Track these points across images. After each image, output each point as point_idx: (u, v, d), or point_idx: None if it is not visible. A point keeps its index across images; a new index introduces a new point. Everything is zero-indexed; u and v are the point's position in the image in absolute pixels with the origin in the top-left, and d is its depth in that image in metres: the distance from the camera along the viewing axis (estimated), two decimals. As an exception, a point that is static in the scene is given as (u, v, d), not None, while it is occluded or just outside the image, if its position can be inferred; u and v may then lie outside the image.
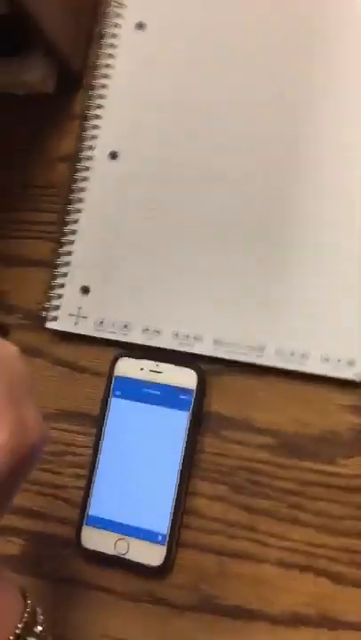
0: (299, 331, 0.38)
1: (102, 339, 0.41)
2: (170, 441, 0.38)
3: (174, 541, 0.37)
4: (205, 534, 0.38)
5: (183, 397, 0.39)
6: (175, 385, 0.39)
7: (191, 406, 0.38)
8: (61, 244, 0.43)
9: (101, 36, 0.45)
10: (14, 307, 0.44)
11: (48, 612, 0.30)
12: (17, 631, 0.28)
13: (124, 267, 0.42)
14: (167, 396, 0.39)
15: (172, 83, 0.43)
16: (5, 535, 0.40)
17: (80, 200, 0.43)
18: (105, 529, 0.38)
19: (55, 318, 0.42)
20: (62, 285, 0.42)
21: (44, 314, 0.43)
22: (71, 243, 0.43)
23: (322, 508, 0.36)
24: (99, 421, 0.40)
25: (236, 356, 0.39)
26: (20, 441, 0.27)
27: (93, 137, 0.44)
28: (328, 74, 0.41)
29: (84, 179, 0.43)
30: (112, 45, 0.45)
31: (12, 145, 0.46)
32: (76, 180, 0.44)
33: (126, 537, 0.38)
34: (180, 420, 0.38)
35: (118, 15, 0.45)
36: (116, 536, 0.38)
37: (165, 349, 0.40)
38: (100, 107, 0.44)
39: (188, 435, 0.38)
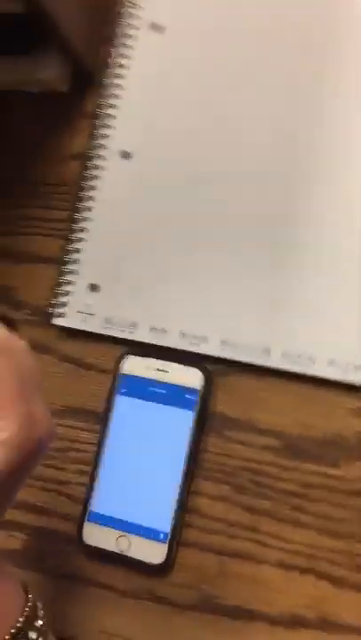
0: (306, 333, 0.38)
1: (109, 336, 0.42)
2: (174, 440, 0.39)
3: (176, 540, 0.38)
4: (207, 534, 0.38)
5: (188, 397, 0.39)
6: (181, 384, 0.39)
7: (196, 406, 0.39)
8: (71, 242, 0.43)
9: (116, 36, 0.46)
10: (22, 302, 0.45)
11: (48, 606, 0.31)
12: (18, 625, 0.28)
13: (133, 265, 0.42)
14: (173, 395, 0.39)
15: (186, 84, 0.44)
16: (8, 529, 0.40)
17: (91, 198, 0.43)
18: (107, 526, 0.39)
19: (63, 315, 0.43)
20: (71, 282, 0.43)
21: (51, 310, 0.43)
22: (81, 240, 0.43)
23: (324, 510, 0.36)
24: (103, 418, 0.40)
25: (242, 357, 0.39)
26: (28, 435, 0.27)
27: (105, 136, 0.44)
28: (338, 74, 0.41)
29: (96, 177, 0.44)
30: (126, 46, 0.45)
31: (25, 142, 0.47)
32: (87, 179, 0.44)
33: (128, 534, 0.38)
34: (184, 420, 0.39)
35: (133, 16, 0.46)
36: (117, 533, 0.38)
37: (172, 349, 0.40)
38: (112, 106, 0.44)
39: (193, 434, 0.38)
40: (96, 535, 0.39)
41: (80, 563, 0.39)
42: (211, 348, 0.39)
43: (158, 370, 0.40)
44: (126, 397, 0.40)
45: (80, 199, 0.44)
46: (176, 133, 0.43)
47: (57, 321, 0.43)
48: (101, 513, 0.39)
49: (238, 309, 0.40)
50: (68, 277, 0.43)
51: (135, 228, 0.42)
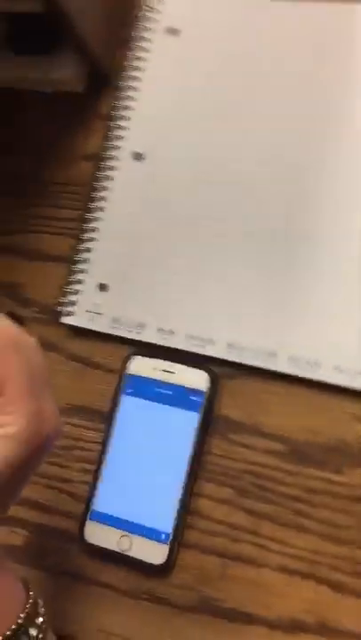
0: (313, 339, 0.38)
1: (117, 336, 0.42)
2: (178, 441, 0.39)
3: (177, 541, 0.38)
4: (208, 536, 0.38)
5: (194, 398, 0.39)
6: (187, 386, 0.39)
7: (201, 408, 0.39)
8: (82, 241, 0.44)
9: (132, 39, 0.46)
10: (30, 300, 0.45)
11: (48, 603, 0.31)
12: (19, 621, 0.28)
13: (142, 266, 0.42)
14: (178, 396, 0.39)
15: (201, 88, 0.44)
16: (10, 525, 0.41)
17: (102, 199, 0.44)
18: (109, 525, 0.39)
19: (71, 313, 0.43)
20: (80, 281, 0.43)
21: (59, 309, 0.43)
22: (91, 240, 0.43)
23: (327, 516, 0.36)
24: (109, 418, 0.40)
25: (248, 360, 0.39)
26: (37, 431, 0.28)
27: (119, 137, 0.44)
28: (357, 73, 0.41)
29: (108, 178, 0.44)
30: (142, 48, 0.46)
31: (38, 142, 0.47)
32: (99, 179, 0.44)
33: (130, 534, 0.38)
34: (189, 421, 0.39)
35: (150, 19, 0.46)
36: (119, 532, 0.38)
37: (179, 350, 0.40)
38: (127, 108, 0.45)
39: (197, 436, 0.38)
40: (98, 534, 0.39)
41: (81, 561, 0.39)
42: (217, 351, 0.39)
43: (164, 371, 0.40)
44: (132, 397, 0.40)
45: (92, 199, 0.44)
46: (188, 136, 0.43)
47: (65, 319, 0.43)
48: (104, 512, 0.39)
49: (246, 313, 0.40)
50: (78, 276, 0.43)
51: (145, 229, 0.43)
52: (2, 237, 0.46)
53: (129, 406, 0.40)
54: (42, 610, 0.30)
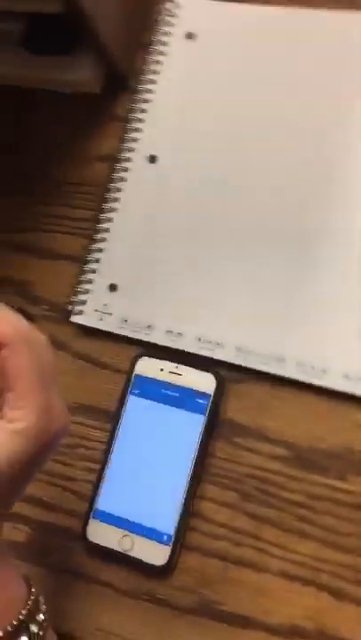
0: (322, 345, 0.38)
1: (125, 336, 0.42)
2: (183, 443, 0.39)
3: (179, 543, 0.38)
4: (210, 539, 0.38)
5: (200, 401, 0.39)
6: (193, 388, 0.39)
7: (207, 411, 0.39)
8: (94, 241, 0.44)
9: (151, 43, 0.46)
10: (40, 298, 0.45)
11: (48, 601, 0.31)
12: (20, 617, 0.29)
13: (153, 268, 0.42)
14: (184, 398, 0.39)
15: (217, 94, 0.44)
16: (13, 522, 0.41)
17: (116, 200, 0.44)
18: (111, 524, 0.39)
19: (80, 313, 0.43)
20: (90, 281, 0.43)
21: (69, 307, 0.43)
22: (103, 240, 0.44)
23: (329, 523, 0.37)
24: (115, 417, 0.40)
25: (256, 364, 0.39)
26: (45, 427, 0.28)
27: (134, 139, 0.45)
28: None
29: (122, 179, 0.44)
30: (160, 52, 0.46)
31: (54, 141, 0.48)
32: (113, 180, 0.44)
33: (132, 534, 0.38)
34: (195, 424, 0.39)
35: (169, 24, 0.46)
36: (121, 532, 0.38)
37: (187, 352, 0.40)
38: (143, 111, 0.45)
39: (202, 438, 0.39)
40: (100, 533, 0.39)
41: (82, 559, 0.40)
42: (225, 354, 0.40)
43: (172, 372, 0.40)
44: (138, 398, 0.40)
45: (105, 200, 0.44)
46: (203, 140, 0.44)
47: (74, 318, 0.43)
48: (107, 511, 0.39)
49: (255, 317, 0.40)
50: (89, 276, 0.43)
51: (158, 231, 0.43)
52: (15, 235, 0.47)
53: (135, 407, 0.40)
54: (43, 607, 0.30)
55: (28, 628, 0.29)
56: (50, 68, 0.44)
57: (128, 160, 0.44)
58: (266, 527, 0.37)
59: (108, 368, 0.42)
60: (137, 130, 0.45)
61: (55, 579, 0.40)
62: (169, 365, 0.40)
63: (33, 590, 0.30)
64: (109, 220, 0.44)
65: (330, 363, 0.38)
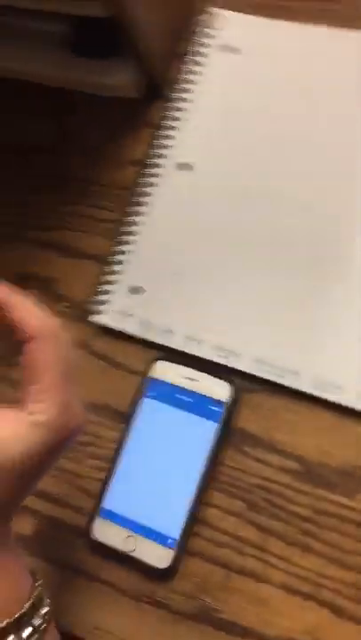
0: (339, 362, 0.38)
1: (144, 339, 0.42)
2: (194, 449, 0.39)
3: (183, 547, 0.38)
4: (214, 546, 0.38)
5: (214, 408, 0.40)
6: (208, 395, 0.40)
7: (220, 418, 0.39)
8: (119, 243, 0.45)
9: (187, 53, 0.47)
10: (63, 296, 0.46)
11: (49, 596, 0.31)
12: (24, 610, 0.29)
13: (177, 274, 0.43)
14: (199, 404, 0.40)
15: (254, 107, 0.45)
16: (20, 514, 0.41)
17: (144, 204, 0.45)
18: (117, 524, 0.39)
19: (101, 313, 0.44)
20: (113, 282, 0.44)
21: (91, 306, 0.44)
22: (129, 243, 0.44)
23: (334, 539, 0.37)
24: (128, 418, 0.41)
25: (272, 376, 0.39)
26: (64, 423, 0.28)
27: (166, 147, 0.45)
28: None
29: (152, 184, 0.45)
30: (197, 63, 0.47)
31: (88, 143, 0.48)
32: (143, 185, 0.45)
33: (136, 535, 0.39)
34: (207, 430, 0.39)
35: (208, 36, 0.47)
36: (126, 532, 0.39)
37: (203, 359, 0.41)
38: (176, 119, 0.46)
39: (213, 446, 0.39)
40: (105, 532, 0.39)
41: (85, 556, 0.40)
42: (242, 364, 0.40)
43: (188, 378, 0.40)
44: (153, 401, 0.41)
45: (134, 204, 0.45)
46: (234, 152, 0.44)
47: (95, 318, 0.44)
48: (113, 510, 0.39)
49: (274, 330, 0.40)
50: (112, 277, 0.44)
51: (183, 238, 0.44)
52: (42, 233, 0.47)
53: (149, 409, 0.41)
54: (47, 601, 0.31)
55: (30, 621, 0.29)
56: (90, 72, 0.45)
57: (159, 166, 0.45)
58: (270, 539, 0.38)
59: (124, 369, 0.43)
60: (169, 137, 0.46)
61: (57, 574, 0.40)
62: (185, 371, 0.41)
63: (38, 584, 0.31)
64: (136, 223, 0.44)
65: (345, 379, 0.38)
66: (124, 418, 0.41)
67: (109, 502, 0.40)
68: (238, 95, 0.45)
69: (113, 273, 0.44)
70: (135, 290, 0.43)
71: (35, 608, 0.30)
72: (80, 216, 0.47)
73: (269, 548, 0.37)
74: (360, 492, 0.37)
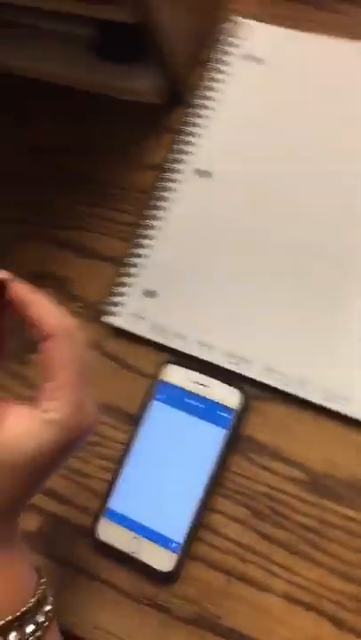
0: (349, 374, 0.38)
1: (155, 342, 0.43)
2: (202, 454, 0.39)
3: (186, 552, 0.38)
4: (217, 552, 0.38)
5: (223, 415, 0.40)
6: (218, 401, 0.40)
7: (229, 425, 0.39)
8: (136, 246, 0.45)
9: (210, 60, 0.47)
10: (77, 296, 0.46)
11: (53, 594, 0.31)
12: (28, 606, 0.29)
13: (191, 279, 0.43)
14: (208, 410, 0.40)
15: (276, 117, 0.45)
16: (26, 510, 0.41)
17: (162, 209, 0.45)
18: (122, 525, 0.39)
19: (114, 314, 0.44)
20: (128, 285, 0.44)
21: (105, 307, 0.44)
22: (145, 247, 0.45)
23: (338, 551, 0.37)
24: (137, 420, 0.41)
25: (281, 385, 0.39)
26: (77, 423, 0.28)
27: (186, 153, 0.46)
28: None
29: (171, 190, 0.45)
30: (220, 71, 0.47)
31: (109, 146, 0.49)
32: (162, 189, 0.45)
33: (141, 537, 0.39)
34: (215, 436, 0.39)
35: (231, 44, 0.47)
36: (131, 534, 0.39)
37: (214, 365, 0.41)
38: (197, 126, 0.46)
39: (221, 452, 0.39)
40: (110, 532, 0.39)
41: (89, 556, 0.40)
42: (253, 372, 0.40)
43: (198, 383, 0.41)
44: (162, 404, 0.41)
45: (152, 208, 0.45)
46: (254, 161, 0.45)
47: (108, 319, 0.44)
48: (118, 511, 0.40)
49: (285, 339, 0.40)
50: (127, 279, 0.44)
51: (199, 244, 0.44)
52: (60, 232, 0.48)
53: (158, 412, 0.41)
54: (50, 599, 0.31)
55: (34, 618, 0.29)
56: (113, 76, 0.45)
57: (178, 172, 0.45)
58: (274, 547, 0.38)
59: (135, 371, 0.43)
60: (189, 143, 0.46)
61: (59, 572, 0.40)
62: (196, 376, 0.41)
63: (42, 581, 0.31)
64: (154, 227, 0.45)
65: (355, 391, 0.38)
66: (133, 420, 0.41)
67: (115, 503, 0.40)
68: (259, 105, 0.46)
69: (128, 275, 0.44)
70: (149, 293, 0.44)
71: (39, 605, 0.30)
72: (98, 218, 0.47)
73: (272, 556, 0.37)
74: (366, 504, 0.37)
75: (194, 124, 0.46)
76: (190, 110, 0.47)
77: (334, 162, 0.43)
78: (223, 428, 0.39)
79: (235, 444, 0.40)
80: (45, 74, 0.47)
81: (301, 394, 0.39)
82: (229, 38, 0.48)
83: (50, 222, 0.48)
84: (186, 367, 0.41)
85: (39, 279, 0.31)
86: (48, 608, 0.30)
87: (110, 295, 0.45)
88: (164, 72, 0.45)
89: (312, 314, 0.40)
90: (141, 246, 0.45)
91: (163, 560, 0.38)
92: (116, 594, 0.39)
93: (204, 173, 0.45)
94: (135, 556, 0.39)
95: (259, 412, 0.40)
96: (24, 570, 0.31)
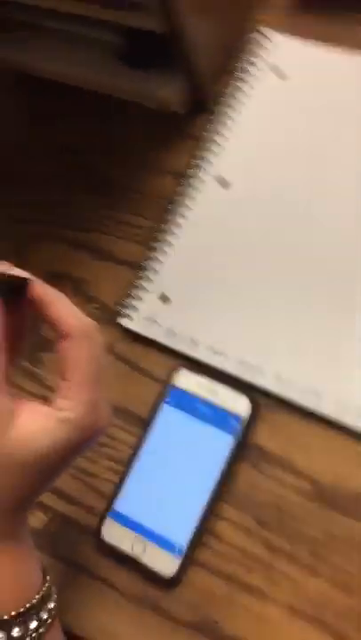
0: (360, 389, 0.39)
1: (168, 347, 0.43)
2: (210, 460, 0.39)
3: (190, 557, 0.38)
4: (221, 559, 0.38)
5: (232, 422, 0.40)
6: (228, 408, 0.40)
7: (238, 432, 0.39)
8: (153, 251, 0.45)
9: (235, 70, 0.48)
10: (93, 297, 0.46)
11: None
12: (33, 602, 0.29)
13: (207, 287, 0.43)
14: (217, 416, 0.40)
15: (292, 132, 0.46)
16: (32, 509, 0.42)
17: (181, 215, 0.45)
18: (126, 527, 0.39)
19: (129, 317, 0.44)
20: (144, 289, 0.44)
21: (120, 309, 0.45)
22: (163, 252, 0.45)
23: (343, 564, 0.37)
24: (146, 424, 0.41)
25: (293, 396, 0.40)
26: (90, 423, 0.29)
27: (207, 161, 0.46)
28: None
29: (191, 197, 0.46)
30: (244, 81, 0.48)
31: (132, 150, 0.49)
32: (181, 196, 0.46)
33: (145, 540, 0.39)
34: (224, 443, 0.40)
35: (257, 55, 0.48)
36: (135, 536, 0.39)
37: (226, 372, 0.41)
38: (219, 134, 0.47)
39: (229, 459, 0.39)
40: (114, 533, 0.39)
41: (92, 556, 0.40)
42: (264, 381, 0.40)
43: (209, 390, 0.41)
44: (172, 409, 0.41)
45: (172, 214, 0.46)
46: (275, 173, 0.45)
47: (122, 321, 0.44)
48: (124, 513, 0.40)
49: (300, 350, 0.40)
50: (143, 284, 0.45)
51: (216, 252, 0.44)
52: (78, 233, 0.48)
53: (168, 416, 0.41)
54: (54, 596, 0.31)
55: (37, 614, 0.30)
56: (138, 83, 0.46)
57: (199, 180, 0.46)
58: (278, 557, 0.38)
59: (147, 375, 0.43)
60: (210, 152, 0.46)
61: (62, 571, 0.40)
62: (207, 382, 0.41)
63: (47, 579, 0.31)
64: (172, 233, 0.45)
65: (367, 406, 0.38)
66: (143, 423, 0.41)
67: (121, 505, 0.40)
68: (281, 118, 0.46)
69: (145, 280, 0.45)
70: (164, 298, 0.44)
71: (43, 602, 0.30)
72: (117, 221, 0.48)
73: (277, 566, 0.37)
74: (372, 519, 0.37)
75: (216, 133, 0.47)
76: (213, 118, 0.47)
77: (354, 180, 0.43)
78: (232, 435, 0.40)
79: (243, 451, 0.40)
80: (72, 78, 0.47)
81: (312, 405, 0.39)
82: (256, 50, 0.48)
83: (68, 223, 0.49)
84: (197, 373, 0.41)
85: (55, 279, 0.32)
86: (52, 605, 0.31)
87: (125, 298, 0.45)
88: (188, 81, 0.46)
89: (326, 326, 0.41)
90: (159, 251, 0.45)
91: (166, 564, 0.38)
92: (117, 595, 0.39)
93: (222, 182, 0.45)
94: (138, 558, 0.39)
95: (269, 421, 0.40)
96: (31, 565, 0.31)
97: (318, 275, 0.42)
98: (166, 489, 0.40)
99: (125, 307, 0.45)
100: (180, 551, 0.38)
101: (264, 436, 0.40)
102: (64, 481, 0.42)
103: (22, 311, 0.30)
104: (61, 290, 0.31)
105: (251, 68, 0.48)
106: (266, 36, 0.48)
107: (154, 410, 0.41)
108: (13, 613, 0.29)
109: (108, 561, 0.40)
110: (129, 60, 0.46)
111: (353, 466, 0.38)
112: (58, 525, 0.41)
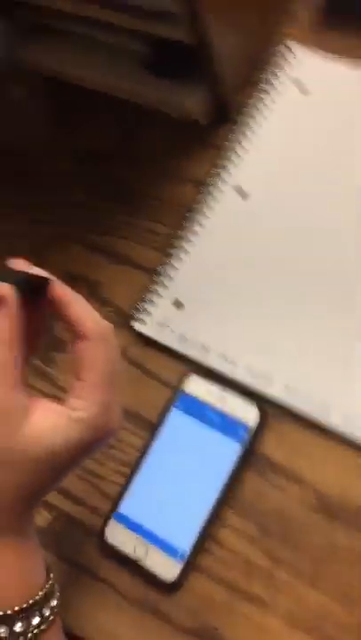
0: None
1: (180, 353, 0.43)
2: (216, 467, 0.40)
3: (192, 562, 0.38)
4: (223, 566, 0.39)
5: (240, 430, 0.40)
6: (236, 416, 0.40)
7: (245, 441, 0.40)
8: (169, 257, 0.46)
9: (258, 81, 0.49)
10: (108, 301, 0.47)
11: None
12: (36, 598, 0.30)
13: (221, 295, 0.44)
14: (226, 424, 0.40)
15: (312, 147, 0.46)
16: (37, 507, 0.42)
17: (199, 224, 0.46)
18: (130, 529, 0.40)
19: (142, 322, 0.45)
20: (159, 294, 0.45)
21: (134, 313, 0.45)
22: (179, 259, 0.45)
23: (344, 576, 0.37)
24: (154, 428, 0.42)
25: (302, 407, 0.40)
26: (102, 424, 0.29)
27: (228, 171, 0.47)
28: None
29: (209, 206, 0.46)
30: (267, 93, 0.48)
31: (154, 157, 0.50)
32: (200, 204, 0.46)
33: (148, 544, 0.39)
34: (230, 451, 0.40)
35: (280, 68, 0.49)
36: (138, 539, 0.39)
37: (235, 380, 0.42)
38: (240, 144, 0.47)
39: (235, 467, 0.39)
40: (118, 536, 0.40)
41: (95, 557, 0.40)
42: (274, 391, 0.41)
43: (218, 397, 0.41)
44: (181, 414, 0.41)
45: (189, 222, 0.46)
46: (291, 187, 0.45)
47: (135, 326, 0.45)
48: (128, 516, 0.40)
49: (310, 361, 0.41)
50: (158, 289, 0.45)
51: (232, 261, 0.45)
52: (96, 237, 0.49)
53: (176, 422, 0.41)
54: (57, 594, 0.31)
55: (40, 610, 0.30)
56: (163, 91, 0.46)
57: (218, 189, 0.46)
58: (280, 567, 0.38)
59: (157, 379, 0.44)
60: (231, 162, 0.47)
61: (64, 570, 0.41)
62: (216, 389, 0.41)
63: (51, 576, 0.32)
64: (189, 240, 0.46)
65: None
66: (151, 427, 0.42)
67: (126, 508, 0.40)
68: (301, 133, 0.47)
69: (160, 285, 0.45)
70: (178, 304, 0.44)
71: (46, 599, 0.30)
72: (135, 226, 0.49)
73: (278, 575, 0.38)
74: (376, 533, 0.37)
75: (237, 143, 0.47)
76: (235, 128, 0.48)
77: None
78: (239, 443, 0.40)
79: (249, 460, 0.40)
80: (99, 84, 0.48)
81: (322, 419, 0.39)
82: (280, 62, 0.49)
83: (88, 226, 0.49)
84: (207, 379, 0.42)
85: (72, 281, 0.32)
86: (55, 603, 0.31)
87: (140, 303, 0.45)
88: (213, 91, 0.46)
89: (338, 339, 0.41)
90: (175, 258, 0.46)
91: (167, 568, 0.38)
92: (118, 597, 0.39)
93: (241, 192, 0.46)
94: (140, 561, 0.39)
95: (277, 431, 0.40)
96: (36, 562, 0.31)
97: (335, 292, 0.42)
98: (171, 494, 0.40)
99: (139, 311, 0.45)
100: (182, 556, 0.38)
101: (271, 446, 0.40)
102: (71, 481, 0.42)
103: (41, 311, 0.31)
104: (77, 292, 0.32)
105: (274, 81, 0.48)
106: (291, 50, 0.49)
107: (163, 414, 0.42)
108: (17, 609, 0.29)
109: (111, 562, 0.40)
110: (155, 69, 0.47)
111: (358, 478, 0.38)
112: (62, 525, 0.42)
